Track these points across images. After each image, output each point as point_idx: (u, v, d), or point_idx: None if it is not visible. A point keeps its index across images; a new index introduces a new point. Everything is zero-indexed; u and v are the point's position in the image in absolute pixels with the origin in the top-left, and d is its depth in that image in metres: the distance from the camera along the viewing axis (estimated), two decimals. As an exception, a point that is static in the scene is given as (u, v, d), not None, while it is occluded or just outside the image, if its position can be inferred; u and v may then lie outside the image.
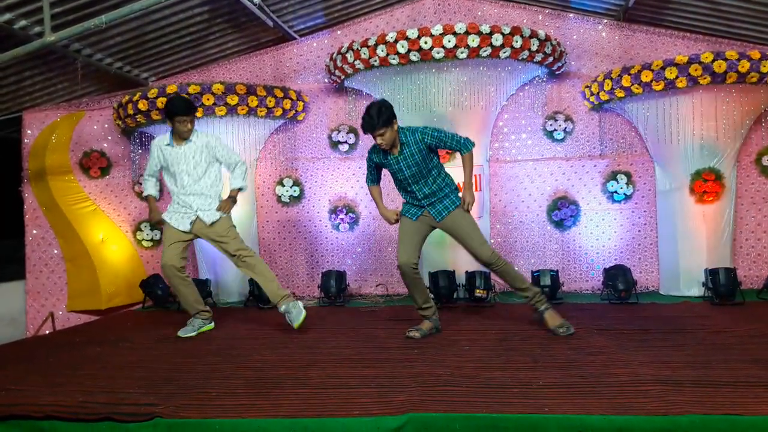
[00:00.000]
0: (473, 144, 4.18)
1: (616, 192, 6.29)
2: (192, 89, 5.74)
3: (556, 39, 5.89)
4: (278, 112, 6.21)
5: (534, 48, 5.50)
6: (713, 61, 5.16)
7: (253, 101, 5.94)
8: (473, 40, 5.27)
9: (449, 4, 6.57)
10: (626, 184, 6.27)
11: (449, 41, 5.27)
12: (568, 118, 6.41)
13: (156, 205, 4.76)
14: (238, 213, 6.21)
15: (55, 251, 6.72)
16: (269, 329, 4.74)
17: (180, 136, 4.51)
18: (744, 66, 5.14)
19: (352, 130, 6.68)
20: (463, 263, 5.54)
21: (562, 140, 6.43)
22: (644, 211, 6.31)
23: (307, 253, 6.80)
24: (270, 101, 6.06)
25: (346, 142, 6.69)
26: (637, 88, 5.50)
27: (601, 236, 6.38)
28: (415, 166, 4.08)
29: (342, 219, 6.67)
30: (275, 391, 3.03)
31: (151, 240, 6.85)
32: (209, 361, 3.73)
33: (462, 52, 5.32)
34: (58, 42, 4.93)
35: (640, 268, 6.24)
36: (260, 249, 6.75)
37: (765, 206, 6.09)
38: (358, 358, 3.68)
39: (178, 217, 4.58)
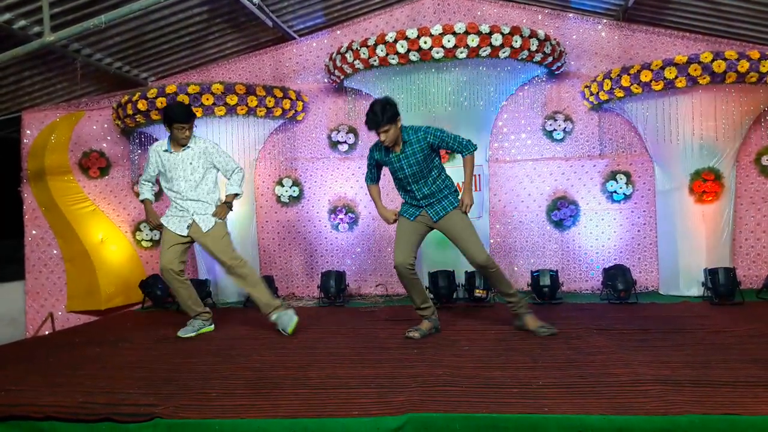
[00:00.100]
0: (475, 147, 4.18)
1: (615, 192, 6.30)
2: (191, 89, 5.73)
3: (555, 39, 5.89)
4: (278, 112, 6.21)
5: (533, 48, 5.50)
6: (713, 60, 5.16)
7: (252, 101, 5.94)
8: (473, 40, 5.27)
9: (449, 4, 6.57)
10: (626, 184, 6.27)
11: (449, 41, 5.27)
12: (567, 118, 6.41)
13: (152, 208, 4.76)
14: (237, 213, 6.23)
15: (55, 251, 6.72)
16: (269, 330, 4.73)
17: (178, 143, 4.50)
18: (743, 66, 5.14)
19: (351, 130, 6.68)
20: (462, 263, 5.50)
21: (562, 140, 6.43)
22: (644, 211, 6.31)
23: (306, 253, 6.80)
24: (269, 101, 6.06)
25: (345, 142, 6.69)
26: (636, 88, 5.50)
27: (600, 236, 6.39)
28: (416, 165, 4.08)
29: (341, 219, 6.67)
30: (275, 392, 3.03)
31: (151, 240, 6.85)
32: (209, 362, 3.73)
33: (461, 52, 5.32)
34: (58, 42, 4.93)
35: (639, 268, 6.25)
36: (259, 249, 6.75)
37: (764, 206, 6.09)
38: (358, 359, 3.67)
39: (176, 221, 4.58)
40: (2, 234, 7.44)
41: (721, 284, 5.25)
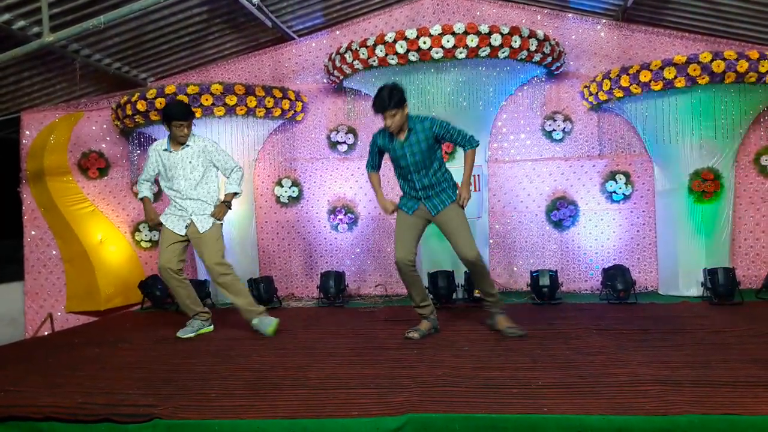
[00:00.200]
0: (478, 142, 4.22)
1: (614, 192, 6.30)
2: (191, 90, 5.73)
3: (554, 39, 5.89)
4: (277, 112, 6.21)
5: (533, 48, 5.50)
6: (712, 60, 5.16)
7: (251, 102, 5.94)
8: (472, 40, 5.27)
9: (448, 4, 6.57)
10: (625, 184, 6.27)
11: (448, 41, 5.27)
12: (566, 118, 6.41)
13: (151, 207, 4.75)
14: (237, 214, 6.23)
15: (54, 252, 6.71)
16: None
17: (177, 141, 4.50)
18: (742, 66, 5.14)
19: (351, 130, 6.68)
20: (462, 264, 5.53)
21: (561, 140, 6.43)
22: (643, 211, 6.31)
23: (305, 253, 6.80)
24: (269, 101, 6.06)
25: (345, 142, 6.69)
26: (635, 88, 5.50)
27: (599, 236, 6.39)
28: (419, 154, 4.08)
29: (341, 219, 6.67)
30: (274, 392, 3.03)
31: (150, 241, 6.85)
32: (208, 362, 3.73)
33: (461, 52, 5.32)
34: (57, 42, 4.92)
35: (638, 268, 6.25)
36: (259, 250, 6.75)
37: (763, 206, 6.09)
38: (357, 359, 3.67)
39: (174, 220, 4.58)
40: (1, 234, 7.44)
41: (721, 284, 5.25)
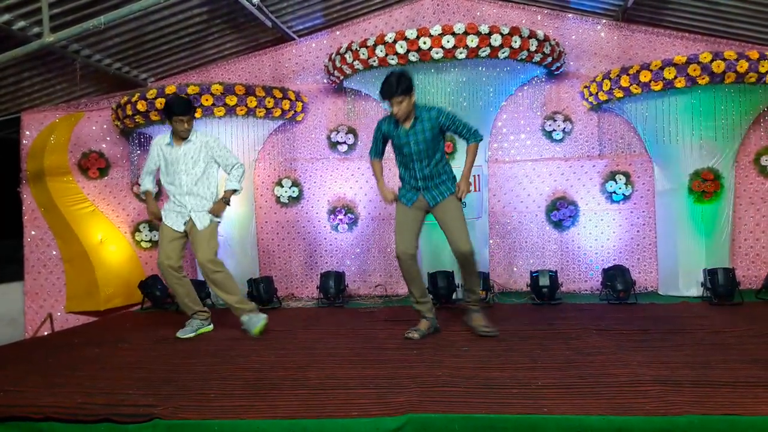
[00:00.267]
0: (482, 137, 4.27)
1: (614, 192, 6.30)
2: (191, 90, 5.73)
3: (554, 39, 5.90)
4: (277, 112, 6.21)
5: (533, 48, 5.50)
6: (712, 61, 5.16)
7: (251, 102, 5.94)
8: (472, 41, 5.27)
9: (448, 5, 6.57)
10: (625, 184, 6.27)
11: (448, 41, 5.27)
12: (566, 119, 6.41)
13: (154, 200, 4.76)
14: (237, 214, 6.24)
15: (54, 252, 6.71)
16: (268, 330, 4.74)
17: (178, 136, 4.53)
18: (742, 66, 5.14)
19: (351, 130, 6.68)
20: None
21: (561, 140, 6.43)
22: (643, 212, 6.31)
23: (305, 253, 6.79)
24: (269, 102, 6.06)
25: (345, 142, 6.69)
26: (635, 88, 5.50)
27: (599, 236, 6.39)
28: (424, 143, 4.10)
29: (341, 220, 6.67)
30: (274, 392, 3.03)
31: (150, 241, 6.84)
32: (208, 362, 3.73)
33: (461, 53, 5.32)
34: (57, 43, 4.92)
35: (638, 269, 6.24)
36: (259, 250, 6.75)
37: (763, 206, 6.09)
38: (357, 359, 3.67)
39: (173, 216, 4.60)
40: (1, 234, 7.43)
41: (721, 284, 5.25)
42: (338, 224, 6.69)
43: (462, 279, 4.37)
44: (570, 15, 6.42)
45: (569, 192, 6.42)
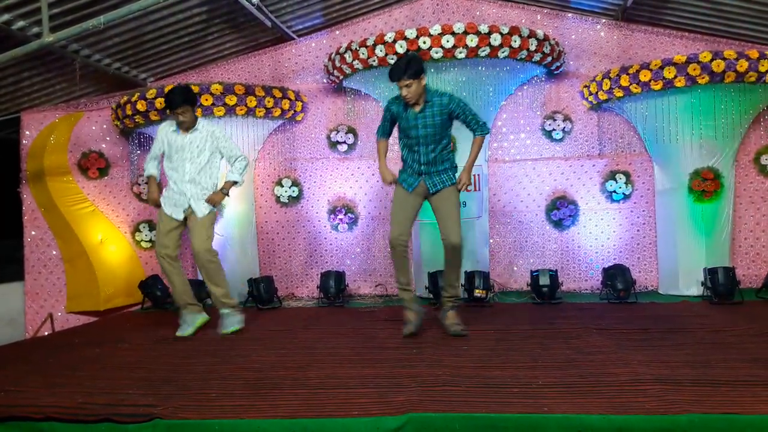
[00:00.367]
0: (489, 130, 4.29)
1: (615, 191, 6.30)
2: (190, 90, 5.73)
3: (554, 38, 5.89)
4: (277, 112, 6.20)
5: (532, 48, 5.49)
6: (711, 60, 5.16)
7: (251, 101, 5.94)
8: (472, 40, 5.27)
9: (448, 4, 6.57)
10: (625, 183, 6.27)
11: (448, 41, 5.27)
12: (566, 118, 6.41)
13: (156, 186, 4.77)
14: (237, 213, 6.25)
15: (54, 252, 6.70)
16: (268, 330, 4.75)
17: (180, 126, 4.56)
18: (742, 65, 5.14)
19: (350, 130, 6.68)
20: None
21: (561, 140, 6.43)
22: (643, 211, 6.31)
23: (305, 253, 6.79)
24: (268, 101, 6.06)
25: (344, 142, 6.69)
26: (635, 88, 5.50)
27: (600, 236, 6.39)
28: (432, 127, 4.09)
29: (341, 219, 6.67)
30: (274, 392, 3.03)
31: (150, 241, 6.83)
32: (208, 362, 3.73)
33: (460, 52, 5.32)
34: (57, 43, 4.92)
35: (639, 268, 6.24)
36: (259, 250, 6.75)
37: (763, 205, 6.09)
38: (357, 359, 3.67)
39: (172, 204, 4.62)
40: (1, 234, 7.43)
41: (721, 283, 5.25)
42: (338, 224, 6.69)
43: (444, 273, 4.37)
44: (569, 14, 6.42)
45: (569, 191, 6.42)
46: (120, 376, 3.46)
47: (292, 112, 6.43)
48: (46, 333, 6.45)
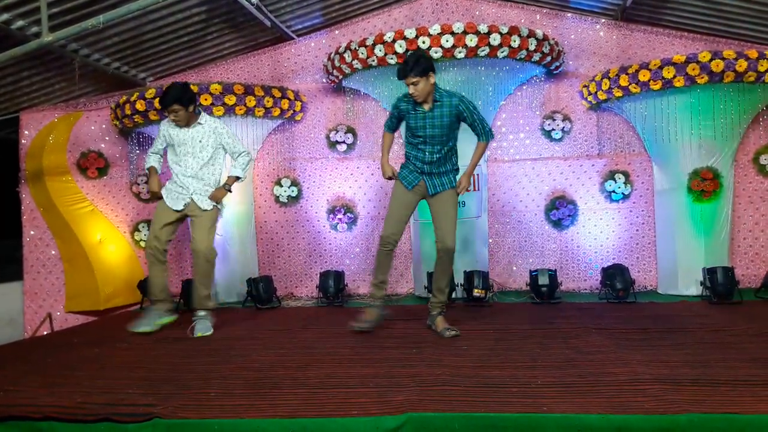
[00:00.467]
0: (493, 136, 4.28)
1: (614, 191, 6.30)
2: (190, 89, 5.73)
3: (554, 38, 5.90)
4: (276, 112, 6.20)
5: (532, 47, 5.50)
6: (711, 60, 5.17)
7: (250, 101, 5.94)
8: (471, 40, 5.27)
9: (447, 4, 6.57)
10: (624, 183, 6.27)
11: (447, 41, 5.27)
12: (566, 118, 6.41)
13: (157, 177, 4.76)
14: (236, 213, 6.25)
15: (53, 252, 6.70)
16: (268, 329, 4.74)
17: (176, 124, 4.55)
18: (741, 65, 5.14)
19: (350, 129, 6.68)
20: (461, 263, 5.54)
21: (560, 140, 6.43)
22: (642, 211, 6.31)
23: (305, 253, 6.79)
24: (268, 101, 6.05)
25: (344, 142, 6.69)
26: (634, 88, 5.50)
27: (599, 236, 6.39)
28: (440, 128, 4.08)
29: (340, 219, 6.67)
30: (274, 392, 3.02)
31: (149, 240, 6.83)
32: (208, 362, 3.72)
33: (460, 52, 5.32)
34: (56, 42, 4.92)
35: (638, 268, 6.25)
36: (258, 249, 6.75)
37: (762, 205, 6.10)
38: (357, 358, 3.67)
39: (174, 196, 4.62)
40: (0, 234, 7.43)
41: (720, 283, 5.25)
42: (337, 223, 6.69)
43: (434, 277, 4.35)
44: (569, 14, 6.42)
45: (568, 191, 6.43)
46: (119, 376, 3.45)
47: (292, 111, 6.43)
48: (45, 333, 6.45)
